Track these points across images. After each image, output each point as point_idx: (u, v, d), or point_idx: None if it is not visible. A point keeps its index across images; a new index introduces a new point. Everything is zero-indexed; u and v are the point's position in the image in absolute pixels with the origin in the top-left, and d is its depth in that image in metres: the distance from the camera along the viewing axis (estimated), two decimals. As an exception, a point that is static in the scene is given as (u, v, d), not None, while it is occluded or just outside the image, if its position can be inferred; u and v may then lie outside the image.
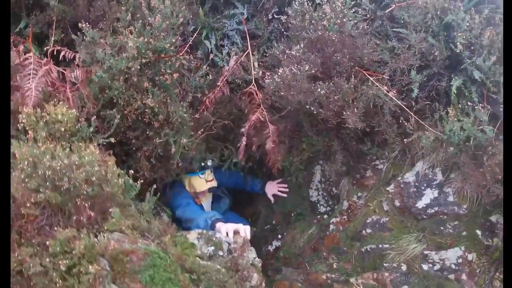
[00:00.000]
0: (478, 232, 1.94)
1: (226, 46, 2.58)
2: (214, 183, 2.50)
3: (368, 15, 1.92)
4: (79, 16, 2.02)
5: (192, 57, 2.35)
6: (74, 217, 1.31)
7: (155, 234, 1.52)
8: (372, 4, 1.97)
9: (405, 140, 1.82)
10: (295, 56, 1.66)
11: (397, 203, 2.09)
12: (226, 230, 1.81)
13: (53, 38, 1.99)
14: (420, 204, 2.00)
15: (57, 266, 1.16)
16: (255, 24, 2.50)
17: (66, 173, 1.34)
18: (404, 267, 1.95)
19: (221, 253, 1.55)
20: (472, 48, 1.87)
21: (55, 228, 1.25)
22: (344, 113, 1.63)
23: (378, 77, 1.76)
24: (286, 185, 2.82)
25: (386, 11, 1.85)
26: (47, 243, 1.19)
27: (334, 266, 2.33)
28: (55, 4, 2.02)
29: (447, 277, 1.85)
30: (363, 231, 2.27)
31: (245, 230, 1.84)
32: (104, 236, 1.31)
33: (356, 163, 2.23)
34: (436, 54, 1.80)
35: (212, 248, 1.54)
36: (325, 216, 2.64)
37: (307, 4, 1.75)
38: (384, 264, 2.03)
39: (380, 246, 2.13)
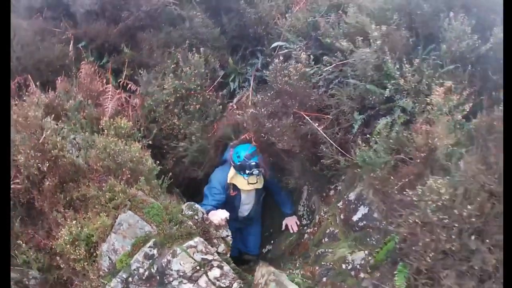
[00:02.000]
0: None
1: (245, 87, 4.05)
2: (257, 186, 3.57)
3: (330, 70, 3.14)
4: (142, 61, 3.73)
5: (215, 93, 3.86)
6: (119, 177, 2.82)
7: (162, 199, 2.95)
8: (335, 61, 3.18)
9: (322, 161, 2.93)
10: (263, 100, 3.00)
11: (342, 217, 3.13)
12: (211, 218, 3.10)
13: (124, 73, 3.72)
14: (355, 217, 3.02)
15: (104, 196, 2.65)
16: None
17: (120, 153, 2.87)
18: (330, 265, 2.96)
19: (196, 217, 2.87)
20: (404, 92, 2.89)
21: (108, 180, 2.77)
22: (273, 137, 2.86)
23: (322, 117, 2.96)
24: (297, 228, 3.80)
25: (328, 67, 3.03)
26: (103, 184, 2.71)
27: (297, 265, 3.40)
28: (127, 51, 3.78)
29: (350, 274, 2.80)
30: (323, 240, 3.33)
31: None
32: (132, 189, 2.79)
33: (321, 183, 3.37)
34: (371, 98, 2.90)
35: (191, 212, 2.87)
36: (305, 228, 3.73)
37: (280, 64, 3.07)
38: (322, 263, 3.06)
39: (327, 250, 3.16)
